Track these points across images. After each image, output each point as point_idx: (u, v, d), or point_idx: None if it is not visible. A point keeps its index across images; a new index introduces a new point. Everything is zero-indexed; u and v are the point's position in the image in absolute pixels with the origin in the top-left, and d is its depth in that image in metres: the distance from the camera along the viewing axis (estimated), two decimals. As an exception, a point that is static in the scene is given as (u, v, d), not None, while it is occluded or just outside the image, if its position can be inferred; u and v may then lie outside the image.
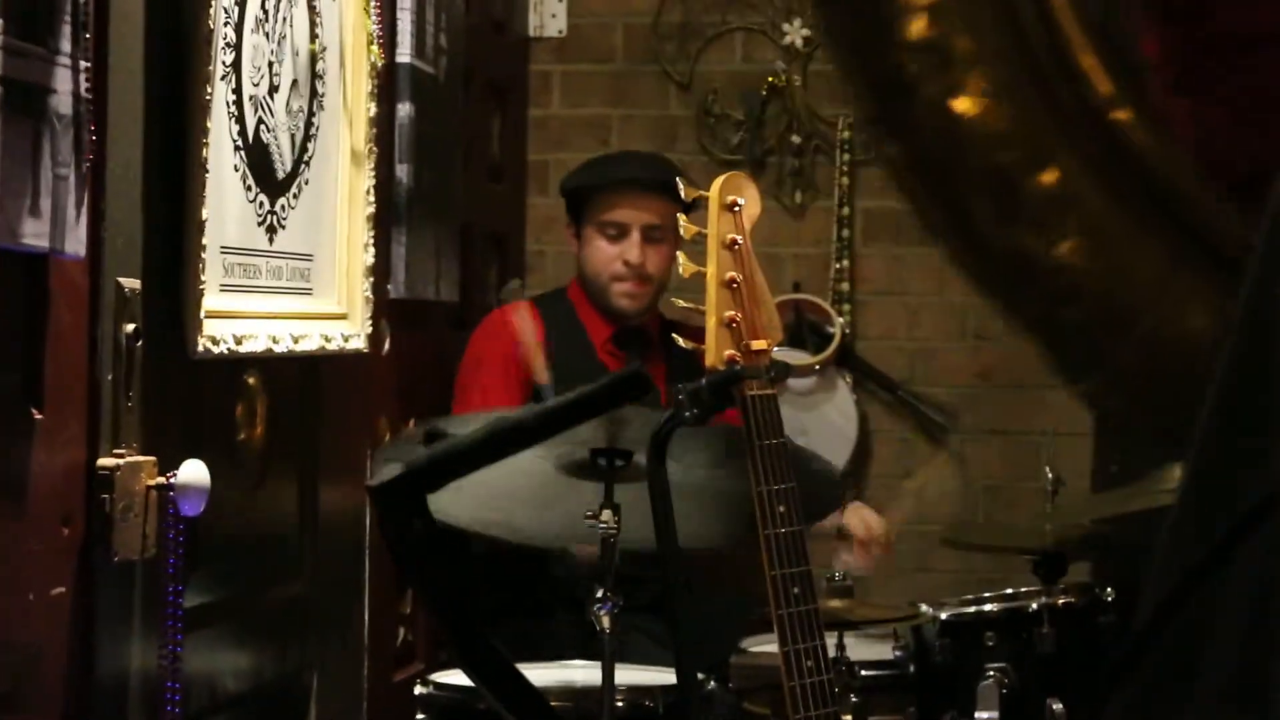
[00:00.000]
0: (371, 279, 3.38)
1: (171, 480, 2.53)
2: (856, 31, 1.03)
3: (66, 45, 2.28)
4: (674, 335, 2.59)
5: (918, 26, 1.00)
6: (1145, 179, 1.07)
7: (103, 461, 2.46)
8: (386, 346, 3.63)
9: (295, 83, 3.12)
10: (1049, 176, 1.05)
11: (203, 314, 2.72)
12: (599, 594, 2.74)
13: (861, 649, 3.48)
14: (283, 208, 3.08)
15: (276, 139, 3.05)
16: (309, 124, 3.18)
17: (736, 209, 2.46)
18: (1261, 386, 0.71)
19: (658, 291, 3.99)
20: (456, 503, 2.42)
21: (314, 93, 3.20)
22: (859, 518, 3.92)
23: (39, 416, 2.34)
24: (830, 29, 1.08)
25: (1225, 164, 1.15)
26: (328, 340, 3.19)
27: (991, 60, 1.03)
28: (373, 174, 3.40)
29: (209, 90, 2.73)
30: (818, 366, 4.71)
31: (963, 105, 1.04)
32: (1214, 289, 1.02)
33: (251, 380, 3.01)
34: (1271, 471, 0.69)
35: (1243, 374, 0.73)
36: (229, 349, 2.80)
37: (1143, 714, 0.78)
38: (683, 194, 2.52)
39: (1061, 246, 1.03)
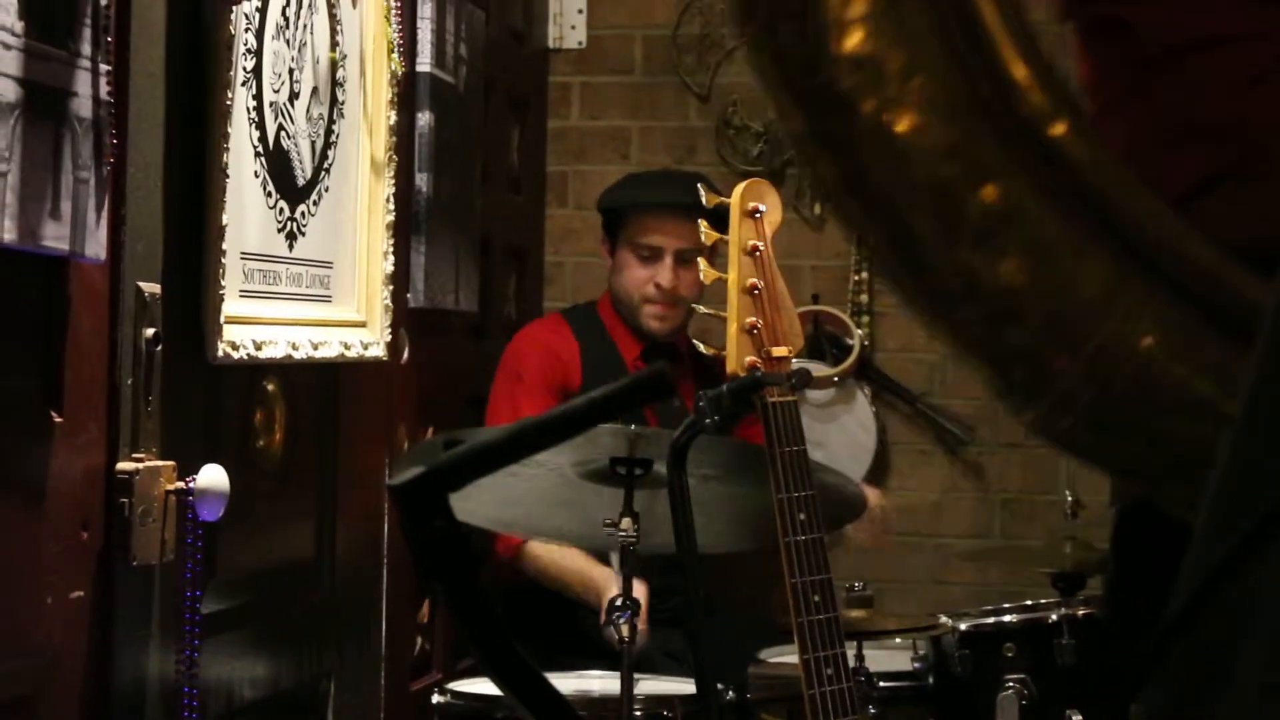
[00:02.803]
0: (391, 287, 3.38)
1: (190, 485, 2.52)
2: (782, 46, 1.01)
3: (87, 48, 2.28)
4: (695, 342, 2.58)
5: (851, 40, 0.99)
6: (1085, 194, 1.06)
7: (122, 466, 2.46)
8: (405, 355, 3.63)
9: (315, 90, 3.12)
10: (990, 192, 1.04)
11: (222, 319, 2.72)
12: (617, 603, 2.73)
13: (880, 660, 3.47)
14: (303, 215, 3.08)
15: (297, 146, 3.05)
16: (329, 131, 3.18)
17: (758, 215, 2.45)
18: None
19: (687, 312, 3.98)
20: (471, 505, 2.42)
21: (334, 100, 3.20)
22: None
23: (58, 420, 2.33)
24: (754, 44, 1.07)
25: (1153, 184, 1.14)
26: (347, 348, 3.19)
27: (929, 73, 1.03)
28: (392, 182, 3.40)
29: (229, 96, 2.73)
30: (837, 379, 4.70)
31: (901, 120, 1.03)
32: (1161, 306, 1.02)
33: (271, 386, 3.01)
34: None
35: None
36: (248, 354, 2.79)
37: (1174, 713, 0.77)
38: (704, 200, 2.51)
39: (1004, 264, 1.03)
